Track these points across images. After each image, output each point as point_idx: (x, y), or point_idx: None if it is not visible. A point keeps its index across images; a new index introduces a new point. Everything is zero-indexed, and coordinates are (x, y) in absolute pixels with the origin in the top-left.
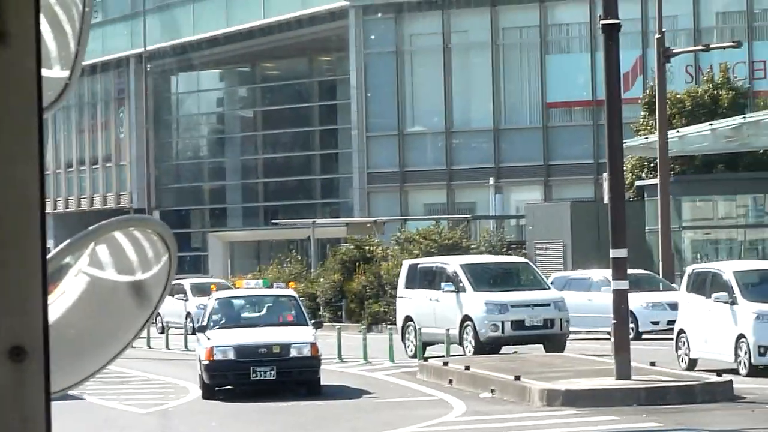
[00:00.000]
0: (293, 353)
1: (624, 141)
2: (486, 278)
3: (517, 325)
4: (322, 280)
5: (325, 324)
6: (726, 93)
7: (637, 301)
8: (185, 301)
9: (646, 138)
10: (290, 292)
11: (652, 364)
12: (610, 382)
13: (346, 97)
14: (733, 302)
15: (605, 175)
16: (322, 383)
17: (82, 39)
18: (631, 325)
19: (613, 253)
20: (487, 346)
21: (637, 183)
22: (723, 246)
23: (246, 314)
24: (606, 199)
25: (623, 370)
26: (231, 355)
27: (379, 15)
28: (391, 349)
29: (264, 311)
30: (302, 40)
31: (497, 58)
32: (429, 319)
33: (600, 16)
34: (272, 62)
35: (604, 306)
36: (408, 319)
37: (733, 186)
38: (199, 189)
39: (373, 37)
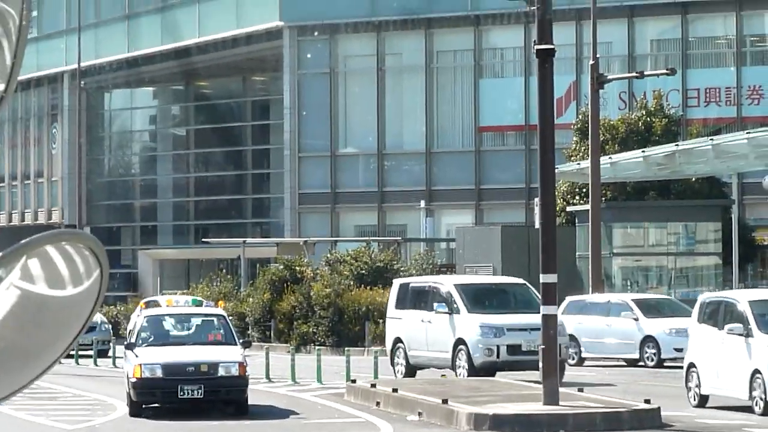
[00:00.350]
0: (221, 372)
1: (556, 166)
2: (482, 299)
3: (513, 349)
4: (251, 299)
5: (253, 344)
6: (659, 120)
7: (659, 327)
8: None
9: (579, 164)
10: (219, 311)
11: (581, 390)
12: (538, 408)
13: (279, 117)
14: (748, 334)
15: (536, 200)
16: (249, 403)
17: (18, 52)
18: (653, 352)
19: (543, 278)
20: (481, 371)
21: (569, 208)
22: (653, 273)
23: (175, 332)
24: (537, 224)
25: (551, 395)
26: (159, 373)
27: (315, 34)
28: (319, 370)
29: (193, 330)
30: (237, 59)
31: (431, 80)
32: (420, 341)
33: (534, 41)
34: (206, 81)
35: (624, 331)
36: (398, 341)
37: (665, 213)
38: (131, 206)
39: (308, 56)
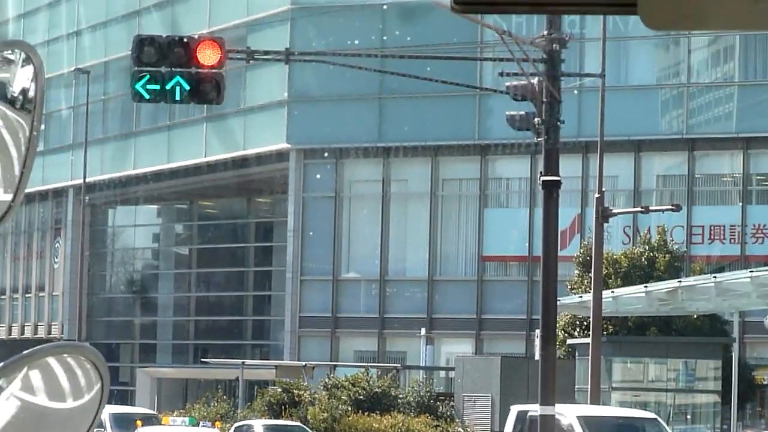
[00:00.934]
0: None
1: (558, 298)
2: None
3: None
4: None
5: None
6: (663, 256)
7: None
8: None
9: (581, 296)
10: (215, 431)
11: None
12: None
13: (282, 239)
14: None
15: (537, 331)
16: None
17: (27, 163)
18: None
19: (542, 410)
20: None
21: (569, 341)
22: (651, 409)
23: None
24: (537, 356)
25: None
26: None
27: (326, 156)
28: None
29: None
30: (242, 180)
31: (435, 208)
32: None
33: (541, 172)
34: (211, 200)
35: None
36: None
37: (665, 349)
38: (131, 323)
39: (318, 176)
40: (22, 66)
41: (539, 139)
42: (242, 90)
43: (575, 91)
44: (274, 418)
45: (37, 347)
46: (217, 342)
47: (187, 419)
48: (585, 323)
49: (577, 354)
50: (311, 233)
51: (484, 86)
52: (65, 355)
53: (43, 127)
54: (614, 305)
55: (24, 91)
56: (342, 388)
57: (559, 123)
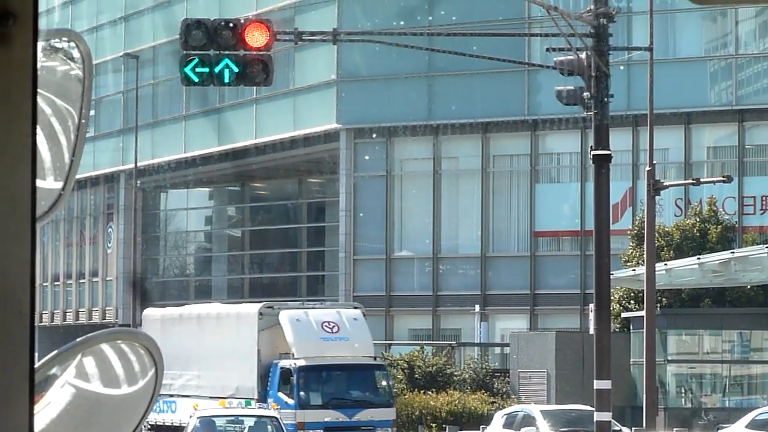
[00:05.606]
0: None
1: (611, 272)
2: None
3: None
4: None
5: None
6: (715, 227)
7: None
8: None
9: (634, 270)
10: (272, 412)
11: None
12: None
13: (334, 219)
14: None
15: (591, 305)
16: None
17: (77, 150)
18: None
19: (597, 384)
20: None
21: (623, 315)
22: (707, 381)
23: None
24: (591, 330)
25: None
26: None
27: (374, 136)
28: None
29: (245, 431)
30: (293, 161)
31: (486, 185)
32: None
33: (591, 146)
34: (262, 182)
35: None
36: None
37: (719, 321)
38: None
39: (366, 158)
40: (70, 54)
41: (589, 114)
42: (291, 71)
43: (622, 67)
44: None
45: (91, 334)
46: None
47: (243, 401)
48: (641, 295)
49: (631, 327)
50: (363, 213)
51: (533, 62)
52: (119, 341)
53: (93, 113)
54: (667, 278)
55: (72, 79)
56: (397, 367)
57: (607, 97)
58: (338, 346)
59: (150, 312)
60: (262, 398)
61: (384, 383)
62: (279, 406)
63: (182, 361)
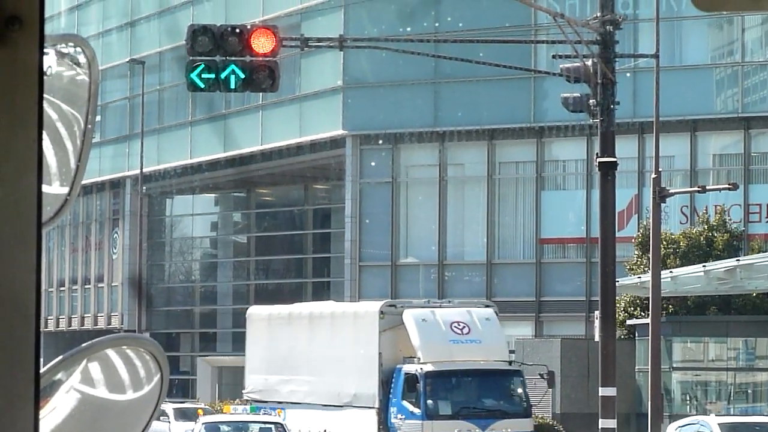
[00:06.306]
0: None
1: (617, 280)
2: None
3: None
4: None
5: None
6: (721, 235)
7: None
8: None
9: (639, 277)
10: (277, 419)
11: None
12: None
13: (340, 225)
14: None
15: (597, 313)
16: None
17: (83, 156)
18: None
19: (602, 391)
20: None
21: (629, 322)
22: (712, 388)
23: None
24: (597, 337)
25: None
26: None
27: (380, 143)
28: None
29: None
30: (299, 167)
31: (492, 191)
32: None
33: (597, 153)
34: (268, 188)
35: None
36: None
37: (725, 328)
38: (190, 312)
39: (372, 164)
40: (76, 59)
41: (595, 121)
42: (297, 77)
43: (628, 74)
44: None
45: (96, 339)
46: None
47: (248, 407)
48: (646, 303)
49: (637, 334)
50: (369, 219)
51: (539, 69)
52: (124, 347)
53: (99, 118)
54: (673, 285)
55: (78, 85)
56: None
57: (613, 105)
58: (469, 349)
59: (255, 311)
60: (384, 407)
61: (520, 390)
62: (404, 417)
63: (291, 365)
